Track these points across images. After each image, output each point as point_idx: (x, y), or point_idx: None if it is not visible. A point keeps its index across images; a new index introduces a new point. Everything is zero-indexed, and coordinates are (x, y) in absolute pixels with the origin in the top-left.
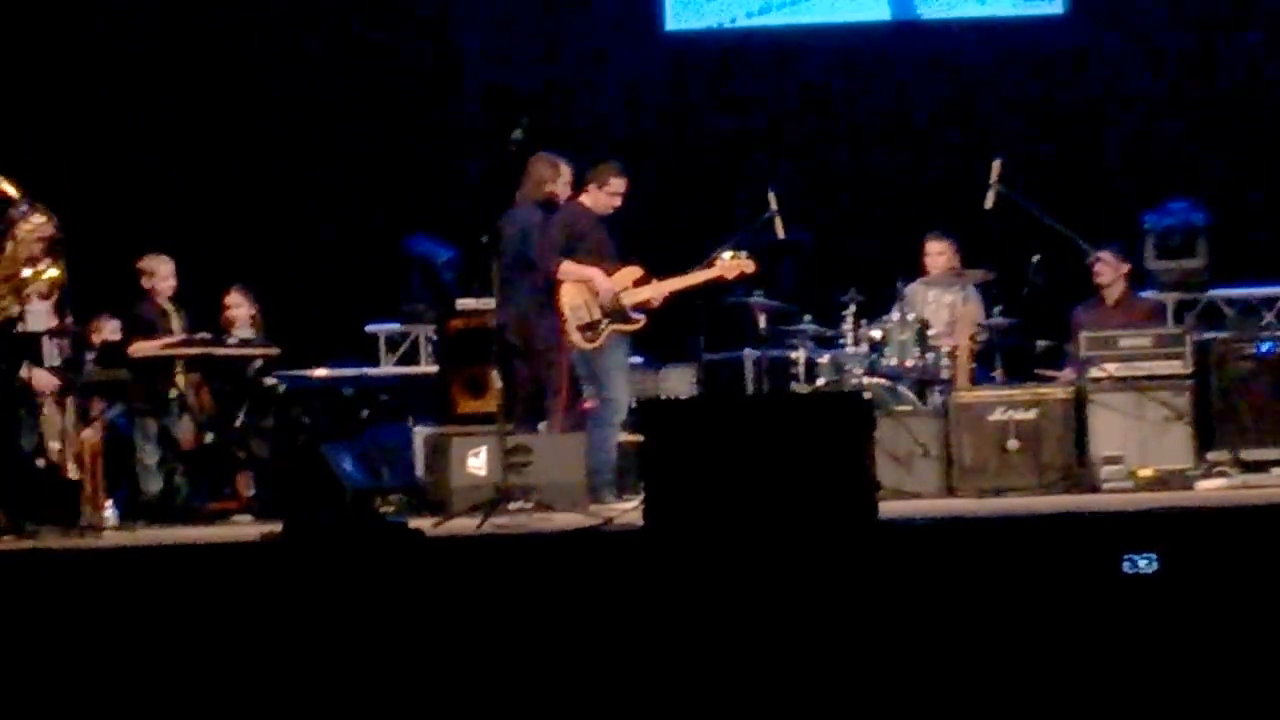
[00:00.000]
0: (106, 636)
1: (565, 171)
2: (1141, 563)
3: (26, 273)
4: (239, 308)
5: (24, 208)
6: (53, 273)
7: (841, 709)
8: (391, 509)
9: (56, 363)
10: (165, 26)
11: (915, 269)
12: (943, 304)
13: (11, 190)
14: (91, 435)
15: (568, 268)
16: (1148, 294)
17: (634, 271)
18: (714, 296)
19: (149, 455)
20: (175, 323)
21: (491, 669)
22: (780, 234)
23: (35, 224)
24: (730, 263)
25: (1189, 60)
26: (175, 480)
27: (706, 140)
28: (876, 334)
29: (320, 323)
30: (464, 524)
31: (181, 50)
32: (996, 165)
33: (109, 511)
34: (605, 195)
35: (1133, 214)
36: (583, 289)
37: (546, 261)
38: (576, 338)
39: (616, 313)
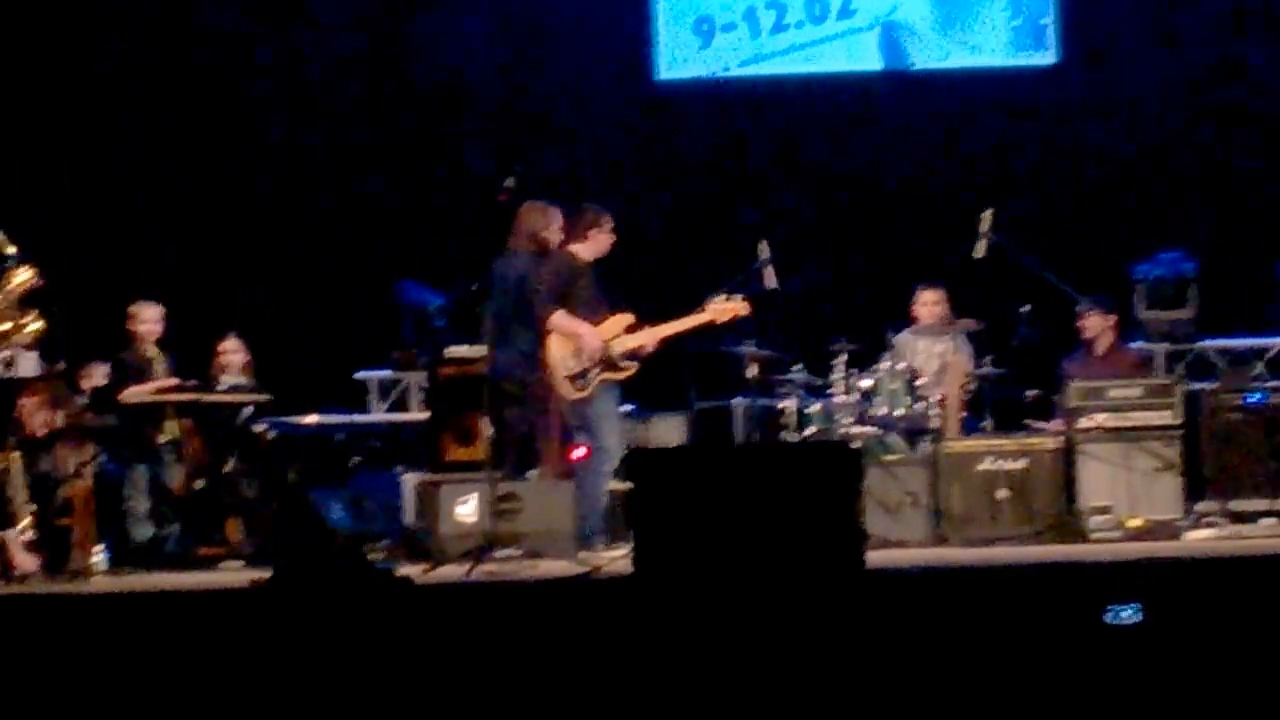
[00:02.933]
0: (95, 682)
1: (557, 218)
2: (1125, 613)
3: (5, 325)
4: (234, 354)
5: (10, 262)
6: (36, 325)
7: None
8: (380, 556)
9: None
10: (158, 74)
11: (905, 318)
12: (933, 353)
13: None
14: (82, 481)
15: (558, 320)
16: (1137, 344)
17: (624, 319)
18: (704, 344)
19: (138, 503)
20: (159, 368)
21: (479, 716)
22: (771, 283)
23: (23, 278)
24: (724, 306)
25: (1180, 111)
26: (165, 526)
27: (698, 189)
28: (866, 383)
29: (311, 369)
30: (453, 571)
31: (174, 99)
32: (987, 215)
33: (99, 557)
34: (596, 242)
35: (1123, 264)
36: (570, 340)
37: (540, 309)
38: (565, 387)
39: (606, 362)
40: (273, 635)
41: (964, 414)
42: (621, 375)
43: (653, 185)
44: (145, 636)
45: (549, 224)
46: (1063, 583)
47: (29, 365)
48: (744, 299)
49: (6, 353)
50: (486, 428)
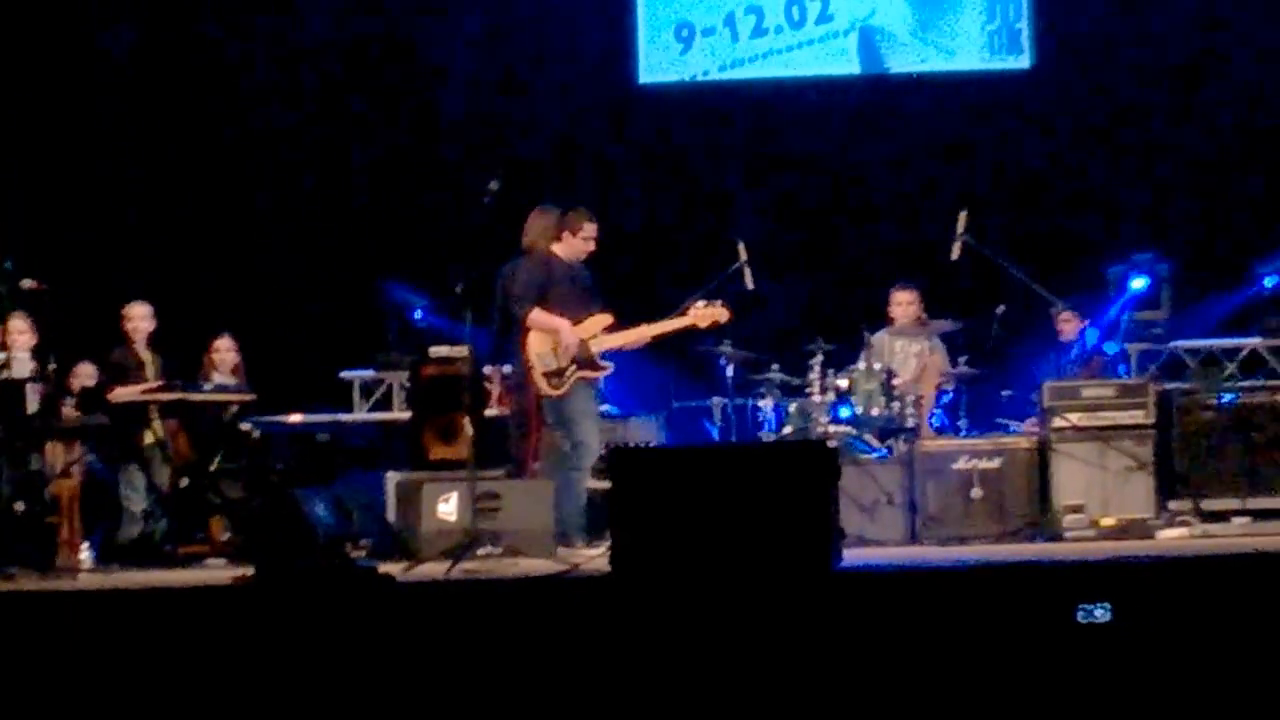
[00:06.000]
0: (80, 678)
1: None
2: (1097, 612)
3: None
4: (226, 353)
5: None
6: None
7: None
8: (363, 554)
9: (37, 408)
10: (148, 80)
11: (882, 319)
12: (910, 354)
13: None
14: (69, 479)
15: (536, 316)
16: (1111, 344)
17: (604, 319)
18: (682, 345)
19: (136, 503)
20: (150, 369)
21: (459, 713)
22: (749, 284)
23: None
24: (704, 311)
25: (1153, 114)
26: (151, 524)
27: (678, 191)
28: (843, 383)
29: (295, 369)
30: (434, 569)
31: (163, 103)
32: (962, 217)
33: (85, 554)
34: (580, 241)
35: (1097, 265)
36: (550, 336)
37: (515, 308)
38: (542, 384)
39: (583, 360)
40: (256, 632)
41: (935, 410)
42: (597, 374)
43: (634, 187)
44: (130, 633)
45: (559, 227)
46: (1036, 581)
47: (22, 367)
48: (724, 305)
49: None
50: (468, 427)
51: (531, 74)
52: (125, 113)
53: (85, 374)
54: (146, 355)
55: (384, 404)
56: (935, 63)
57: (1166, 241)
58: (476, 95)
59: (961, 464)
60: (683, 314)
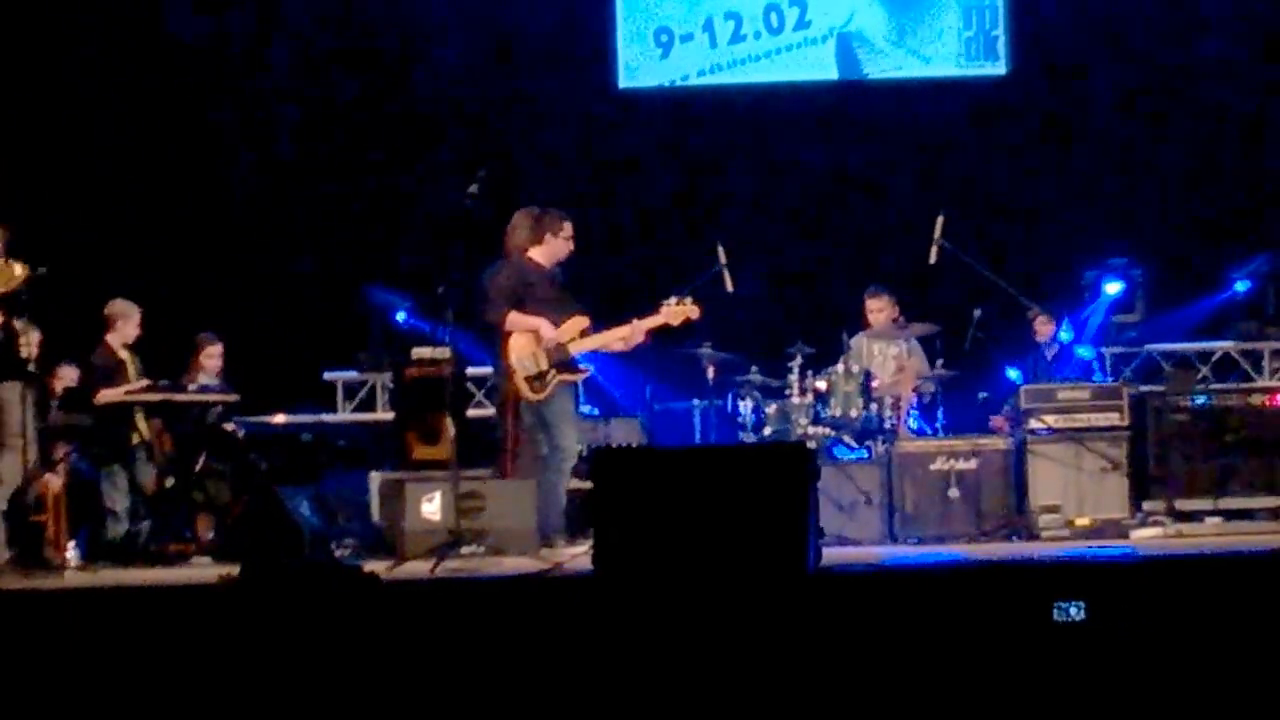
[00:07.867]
0: (67, 676)
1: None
2: (1072, 610)
3: None
4: (215, 357)
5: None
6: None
7: None
8: (347, 552)
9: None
10: (136, 81)
11: (860, 322)
12: (888, 356)
13: None
14: (55, 479)
15: (514, 318)
16: (1085, 347)
17: (581, 322)
18: (663, 347)
19: (119, 502)
20: (131, 370)
21: (443, 711)
22: (729, 287)
23: (16, 275)
24: (675, 309)
25: (1128, 121)
26: (136, 523)
27: (658, 195)
28: (822, 385)
29: (279, 370)
30: (418, 567)
31: (146, 103)
32: (939, 221)
33: (71, 553)
34: (562, 241)
35: (1073, 270)
36: (530, 340)
37: (490, 313)
38: (524, 389)
39: (563, 363)
40: (241, 630)
41: (913, 411)
42: (576, 377)
43: (614, 191)
44: (116, 631)
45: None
46: (1013, 580)
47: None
48: (694, 302)
49: None
50: (450, 428)
51: (512, 78)
52: (108, 112)
53: (68, 376)
54: (126, 355)
55: (367, 405)
56: (912, 69)
57: (1141, 247)
58: (458, 99)
59: (939, 465)
60: (655, 312)
